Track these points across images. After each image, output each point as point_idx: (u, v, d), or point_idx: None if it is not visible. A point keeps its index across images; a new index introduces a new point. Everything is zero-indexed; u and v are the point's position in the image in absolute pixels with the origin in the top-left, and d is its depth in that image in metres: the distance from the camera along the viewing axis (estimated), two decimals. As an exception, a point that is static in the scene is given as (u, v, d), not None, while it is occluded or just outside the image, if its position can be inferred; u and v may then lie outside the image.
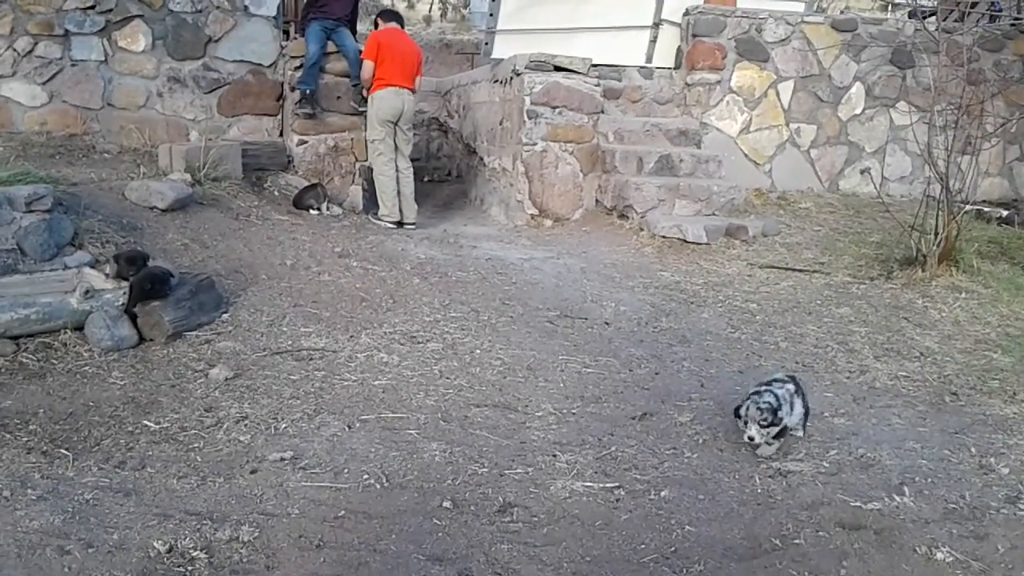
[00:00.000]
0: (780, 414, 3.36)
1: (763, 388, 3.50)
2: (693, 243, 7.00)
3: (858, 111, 9.19)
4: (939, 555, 2.67)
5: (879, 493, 3.11)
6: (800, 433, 3.61)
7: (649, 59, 9.20)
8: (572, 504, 3.00)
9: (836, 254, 6.85)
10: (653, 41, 9.12)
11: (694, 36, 8.81)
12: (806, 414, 3.60)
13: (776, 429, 3.38)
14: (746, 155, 8.99)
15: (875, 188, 8.45)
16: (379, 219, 7.72)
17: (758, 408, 3.36)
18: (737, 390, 4.18)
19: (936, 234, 6.14)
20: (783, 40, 8.92)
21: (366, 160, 8.07)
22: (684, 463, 3.37)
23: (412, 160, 8.10)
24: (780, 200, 8.61)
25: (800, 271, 6.44)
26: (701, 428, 3.72)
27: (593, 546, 2.75)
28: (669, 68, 9.21)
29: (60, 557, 2.53)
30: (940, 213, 6.13)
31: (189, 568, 2.50)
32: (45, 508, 2.80)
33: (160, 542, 2.60)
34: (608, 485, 3.08)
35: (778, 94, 9.02)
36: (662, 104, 9.06)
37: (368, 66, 7.69)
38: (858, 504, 3.01)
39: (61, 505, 2.82)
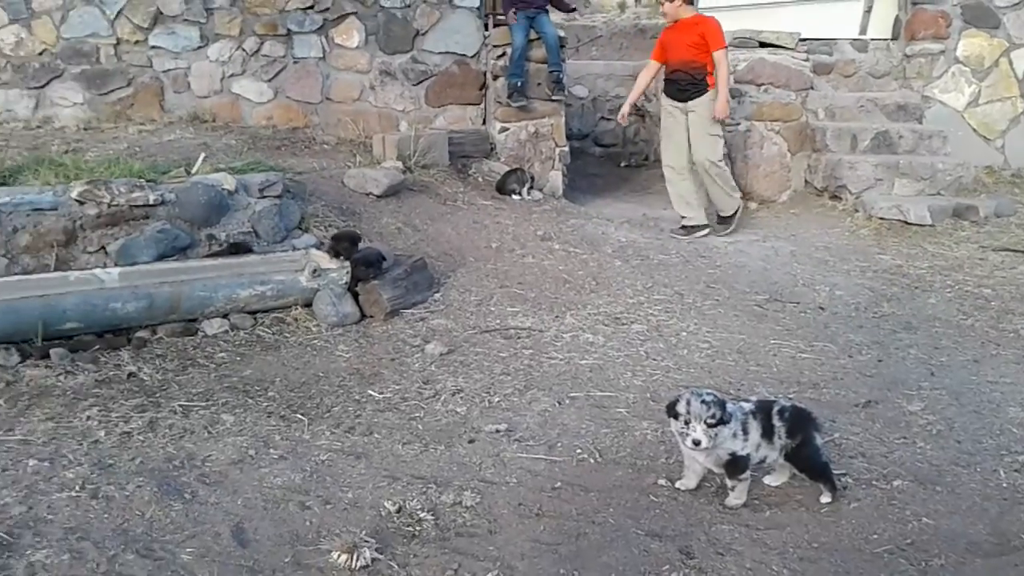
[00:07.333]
0: (729, 409, 2.69)
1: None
2: (916, 225, 6.55)
3: (1105, 79, 8.24)
4: None
5: None
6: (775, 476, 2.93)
7: (863, 30, 8.64)
8: (794, 490, 2.87)
9: (1083, 236, 6.18)
10: (868, 11, 8.56)
11: (914, 4, 8.25)
12: (792, 449, 2.77)
13: (724, 429, 2.66)
14: (974, 130, 8.29)
15: None
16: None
17: (702, 401, 2.64)
18: (972, 380, 3.87)
19: None
20: (1016, 4, 8.14)
21: (565, 145, 8.11)
22: (917, 453, 3.15)
23: (609, 146, 8.02)
24: (1014, 178, 7.90)
25: (1041, 254, 5.86)
26: (934, 418, 3.45)
27: (820, 533, 2.62)
28: (886, 39, 8.61)
29: (301, 511, 2.72)
30: None
31: (418, 528, 2.62)
32: (286, 467, 3.01)
33: (390, 502, 2.74)
34: (834, 472, 2.91)
35: (1011, 63, 8.25)
36: (878, 78, 8.52)
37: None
38: (1125, 505, 2.70)
39: (300, 464, 3.03)
